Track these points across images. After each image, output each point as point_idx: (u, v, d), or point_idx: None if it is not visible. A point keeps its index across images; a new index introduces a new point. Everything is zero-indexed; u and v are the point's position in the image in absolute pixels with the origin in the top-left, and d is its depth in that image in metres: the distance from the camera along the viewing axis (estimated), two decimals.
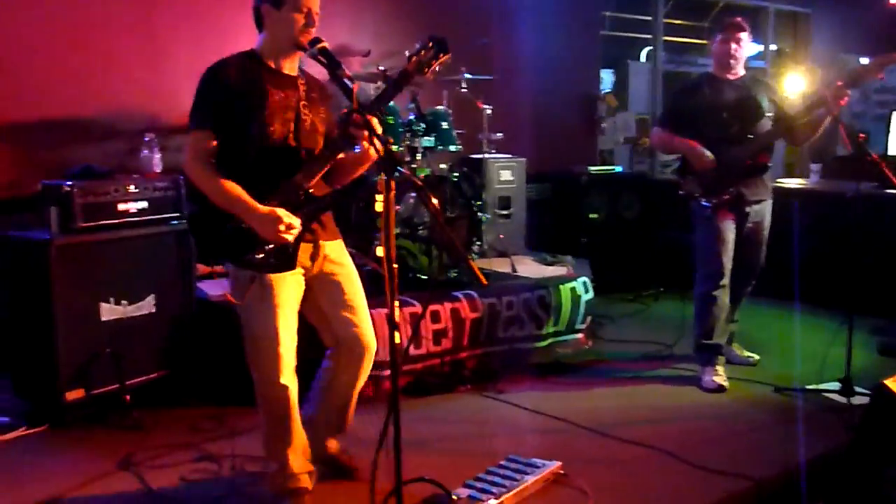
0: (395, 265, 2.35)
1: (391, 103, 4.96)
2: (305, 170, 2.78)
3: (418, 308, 4.32)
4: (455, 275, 4.94)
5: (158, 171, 4.28)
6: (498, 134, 5.81)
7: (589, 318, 5.10)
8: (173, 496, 3.12)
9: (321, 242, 2.90)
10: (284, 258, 2.75)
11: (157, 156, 4.30)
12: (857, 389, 4.02)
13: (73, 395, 3.80)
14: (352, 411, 3.16)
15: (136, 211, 4.04)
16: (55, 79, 4.90)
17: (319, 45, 2.67)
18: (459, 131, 5.36)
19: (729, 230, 4.34)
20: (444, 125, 5.17)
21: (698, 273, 4.47)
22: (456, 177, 5.04)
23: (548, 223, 6.94)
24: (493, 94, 5.95)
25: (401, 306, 4.24)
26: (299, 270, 2.85)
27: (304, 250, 2.84)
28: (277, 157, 2.78)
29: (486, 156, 5.91)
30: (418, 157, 4.99)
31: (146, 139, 4.35)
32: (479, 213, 5.41)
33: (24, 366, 3.96)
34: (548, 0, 7.18)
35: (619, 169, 7.23)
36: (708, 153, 4.22)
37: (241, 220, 2.71)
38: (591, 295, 5.06)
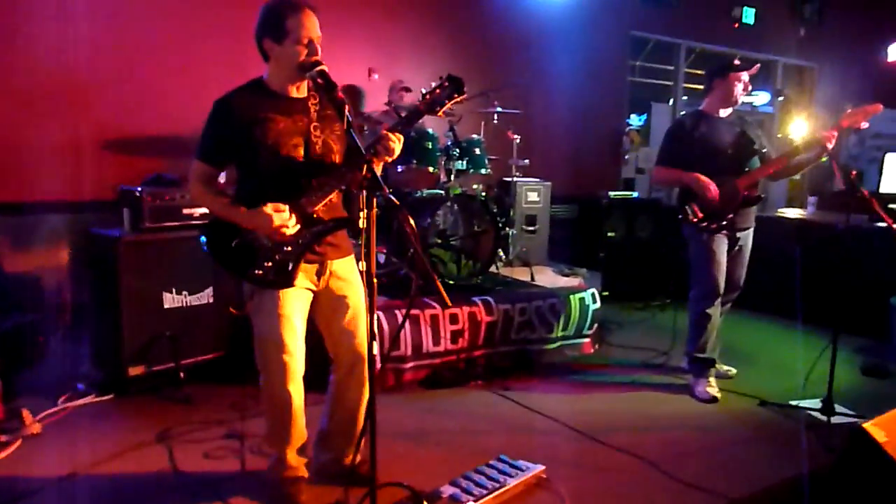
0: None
1: (430, 130, 4.55)
2: (309, 195, 2.33)
3: (437, 310, 3.85)
4: (479, 281, 4.46)
5: (223, 181, 3.92)
6: (525, 160, 5.28)
7: (595, 326, 4.54)
8: (190, 472, 2.75)
9: (328, 261, 2.45)
10: (283, 275, 2.32)
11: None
12: (838, 409, 3.37)
13: (135, 370, 3.50)
14: (360, 424, 2.58)
15: (199, 215, 3.69)
16: (150, 99, 4.66)
17: (318, 69, 2.22)
18: (493, 157, 4.86)
19: (722, 253, 3.74)
20: (477, 151, 4.68)
21: (694, 292, 3.85)
22: (483, 196, 4.55)
23: (572, 239, 6.41)
24: (526, 127, 5.44)
25: (422, 309, 3.82)
26: (307, 285, 2.42)
27: (310, 269, 2.41)
28: (289, 180, 2.33)
29: (516, 179, 5.38)
30: (452, 178, 4.53)
31: None
32: (506, 229, 4.92)
33: (98, 341, 3.68)
34: (582, 49, 6.63)
35: (636, 195, 6.59)
36: (713, 184, 3.63)
37: (246, 235, 2.31)
38: (597, 305, 4.49)
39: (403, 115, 2.48)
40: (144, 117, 4.66)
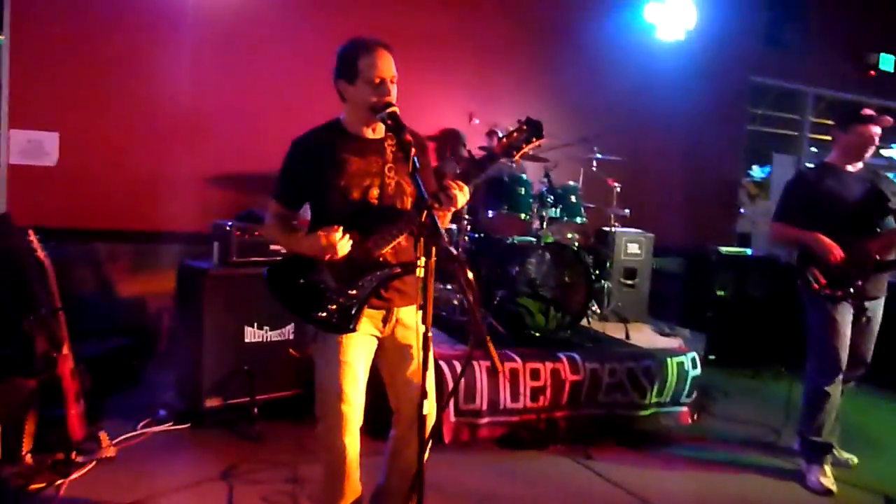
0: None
1: (523, 175, 4.38)
2: (377, 237, 2.22)
3: (518, 364, 3.61)
4: (567, 336, 4.18)
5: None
6: (625, 210, 4.97)
7: (695, 394, 4.11)
8: None
9: (394, 308, 2.32)
10: (345, 320, 2.20)
11: None
12: None
13: (212, 402, 3.51)
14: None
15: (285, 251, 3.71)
16: (258, 138, 4.80)
17: (389, 111, 2.13)
18: (589, 205, 4.61)
19: (846, 323, 3.27)
20: (573, 199, 4.46)
21: (811, 365, 3.39)
22: (577, 245, 4.29)
23: (677, 296, 5.96)
24: (631, 174, 5.15)
25: (501, 361, 3.60)
26: (371, 331, 2.30)
27: (376, 315, 2.29)
28: (361, 221, 2.23)
29: (616, 229, 5.08)
30: (545, 225, 4.32)
31: None
32: (600, 281, 4.63)
33: (181, 370, 3.73)
34: (697, 95, 6.26)
35: (749, 251, 6.07)
36: (837, 246, 3.21)
37: (311, 276, 2.23)
38: (698, 371, 4.07)
39: (478, 158, 2.33)
40: (252, 155, 4.81)
